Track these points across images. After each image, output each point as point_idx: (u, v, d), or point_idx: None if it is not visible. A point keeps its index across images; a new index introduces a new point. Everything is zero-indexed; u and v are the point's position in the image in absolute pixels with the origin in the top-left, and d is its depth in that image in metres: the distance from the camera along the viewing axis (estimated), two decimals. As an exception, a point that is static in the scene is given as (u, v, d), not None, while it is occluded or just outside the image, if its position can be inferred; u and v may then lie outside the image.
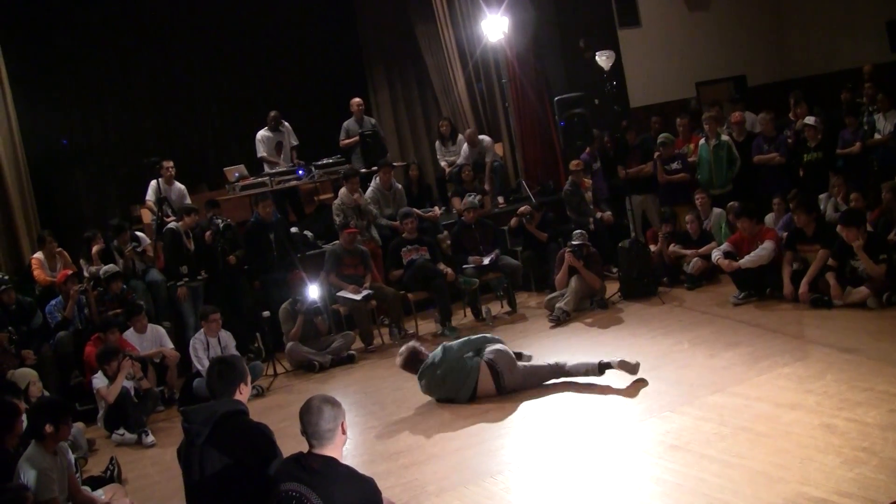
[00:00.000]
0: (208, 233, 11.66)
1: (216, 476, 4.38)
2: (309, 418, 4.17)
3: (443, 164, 15.14)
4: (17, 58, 13.72)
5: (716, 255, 10.69)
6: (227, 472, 4.38)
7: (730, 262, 10.38)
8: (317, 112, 15.93)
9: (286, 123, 14.30)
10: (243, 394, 4.68)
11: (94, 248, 11.66)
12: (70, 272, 11.12)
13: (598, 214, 13.19)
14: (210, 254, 11.69)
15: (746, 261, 10.25)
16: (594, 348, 9.45)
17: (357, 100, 14.67)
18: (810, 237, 9.94)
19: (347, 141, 14.51)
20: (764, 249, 10.18)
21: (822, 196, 11.68)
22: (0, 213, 12.85)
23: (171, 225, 11.69)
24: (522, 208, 12.88)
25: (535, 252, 12.67)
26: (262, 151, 14.06)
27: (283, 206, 13.90)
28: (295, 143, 14.34)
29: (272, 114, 14.15)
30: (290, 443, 4.54)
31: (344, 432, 4.24)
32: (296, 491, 3.99)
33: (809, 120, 12.31)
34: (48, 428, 6.08)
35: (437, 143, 15.34)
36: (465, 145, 14.77)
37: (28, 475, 5.87)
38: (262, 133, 14.16)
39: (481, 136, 14.98)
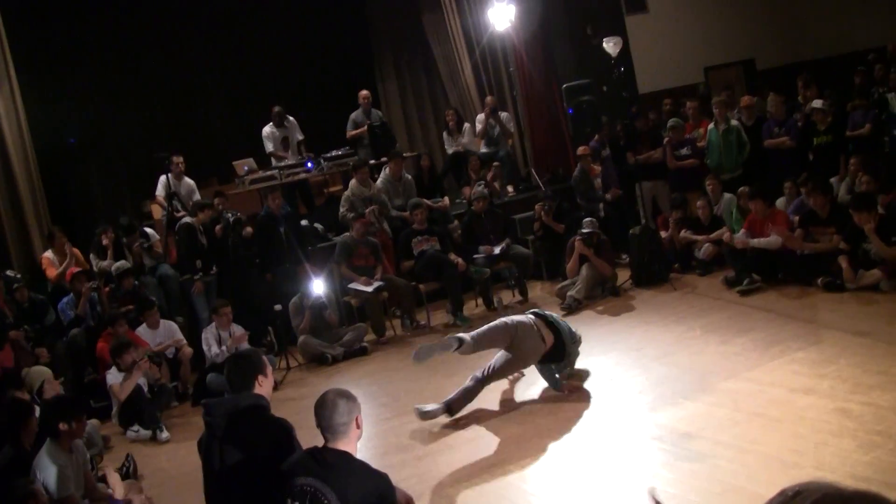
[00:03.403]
0: (218, 227, 11.68)
1: (236, 469, 4.39)
2: (323, 412, 4.17)
3: (450, 151, 15.12)
4: (24, 54, 13.72)
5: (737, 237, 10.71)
6: (246, 466, 4.38)
7: (744, 240, 10.39)
8: (326, 103, 15.90)
9: (291, 118, 14.28)
10: (263, 386, 4.65)
11: (106, 242, 11.69)
12: (77, 269, 11.13)
13: (607, 196, 13.16)
14: (221, 248, 11.70)
15: (756, 241, 10.26)
16: (606, 336, 9.47)
17: (364, 92, 14.66)
18: (824, 219, 9.92)
19: (354, 132, 14.51)
20: (775, 241, 10.18)
21: (832, 179, 11.64)
22: (11, 211, 12.87)
23: (187, 219, 11.69)
24: (538, 205, 12.77)
25: (549, 241, 12.63)
26: (269, 147, 14.07)
27: (293, 198, 13.94)
28: (300, 137, 14.33)
29: (276, 109, 14.10)
30: (305, 436, 4.54)
31: (359, 426, 4.24)
32: (310, 486, 3.99)
33: (817, 103, 12.25)
34: (63, 426, 6.10)
35: (445, 134, 15.32)
36: (480, 116, 14.78)
37: (45, 473, 5.89)
38: (268, 129, 14.14)
39: (501, 113, 15.00)
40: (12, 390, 7.51)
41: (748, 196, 10.92)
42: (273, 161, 13.86)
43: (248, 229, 11.84)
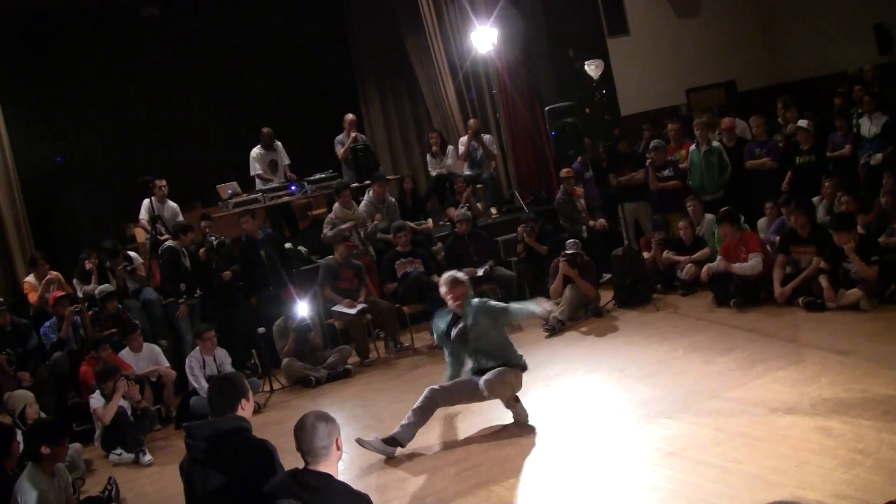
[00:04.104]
0: (202, 250, 11.67)
1: (218, 492, 4.36)
2: (303, 436, 4.17)
3: (434, 173, 15.15)
4: (8, 77, 13.74)
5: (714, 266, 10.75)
6: (229, 489, 4.36)
7: (726, 264, 10.44)
8: (310, 128, 15.95)
9: (278, 143, 14.31)
10: (245, 409, 4.65)
11: (89, 267, 11.66)
12: (60, 294, 11.09)
13: (592, 223, 13.21)
14: (205, 271, 11.69)
15: (737, 267, 10.32)
16: (589, 356, 9.49)
17: (350, 116, 14.66)
18: (804, 239, 9.98)
19: (343, 150, 14.53)
20: (753, 268, 10.26)
21: (814, 199, 11.71)
22: (-7, 236, 12.87)
23: (169, 243, 11.67)
24: (521, 227, 12.78)
25: (532, 263, 12.65)
26: (256, 169, 14.06)
27: (277, 221, 13.96)
28: (287, 161, 14.34)
29: (265, 130, 14.10)
30: (288, 458, 4.53)
31: (339, 448, 4.24)
32: (292, 507, 3.99)
33: (802, 123, 12.33)
34: (45, 450, 6.08)
35: (428, 156, 15.35)
36: (463, 138, 14.83)
37: (27, 497, 5.86)
38: (256, 151, 14.13)
39: (484, 135, 15.06)
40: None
41: (717, 221, 10.96)
42: (258, 183, 13.86)
43: (227, 273, 11.80)
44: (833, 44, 16.75)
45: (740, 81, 18.04)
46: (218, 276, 11.71)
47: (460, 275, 7.79)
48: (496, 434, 7.52)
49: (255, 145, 14.16)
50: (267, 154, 14.12)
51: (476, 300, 7.73)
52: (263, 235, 12.12)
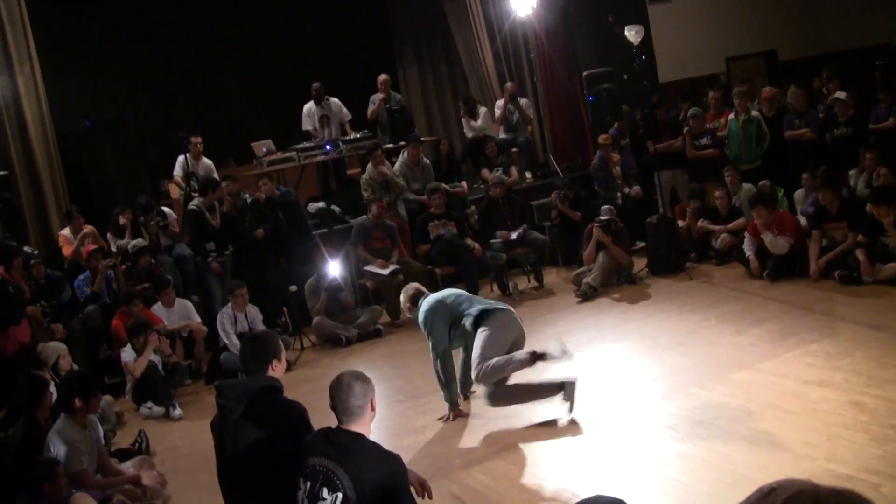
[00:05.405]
0: (226, 200, 11.67)
1: (248, 452, 4.38)
2: (339, 395, 4.17)
3: (470, 136, 15.09)
4: (45, 33, 13.74)
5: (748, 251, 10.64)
6: (259, 449, 4.37)
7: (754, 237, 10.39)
8: (345, 88, 15.90)
9: (333, 99, 14.28)
10: (276, 370, 4.65)
11: (123, 222, 11.73)
12: (94, 247, 11.17)
13: (626, 189, 13.13)
14: (234, 228, 11.69)
15: (768, 241, 10.23)
16: (621, 324, 9.46)
17: (383, 76, 14.62)
18: (835, 215, 9.87)
19: (371, 110, 14.55)
20: (781, 248, 10.16)
21: (851, 172, 11.57)
22: (30, 189, 12.92)
23: (193, 204, 11.64)
24: (554, 194, 12.75)
25: (566, 229, 12.61)
26: (307, 125, 14.09)
27: (325, 176, 14.15)
28: (348, 117, 14.34)
29: (315, 85, 14.10)
30: (318, 416, 4.55)
31: (373, 409, 4.25)
32: (323, 466, 4.00)
33: (840, 95, 12.14)
34: (77, 402, 6.14)
35: (463, 119, 15.27)
36: (499, 102, 14.78)
37: (58, 448, 5.94)
38: (308, 106, 14.18)
39: (521, 99, 14.99)
40: (32, 369, 7.54)
41: (750, 203, 10.84)
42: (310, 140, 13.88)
43: (260, 231, 11.79)
44: (878, 14, 16.46)
45: (781, 51, 17.80)
46: (250, 234, 11.73)
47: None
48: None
49: (293, 104, 14.17)
50: (318, 110, 14.12)
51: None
52: (279, 195, 12.11)
